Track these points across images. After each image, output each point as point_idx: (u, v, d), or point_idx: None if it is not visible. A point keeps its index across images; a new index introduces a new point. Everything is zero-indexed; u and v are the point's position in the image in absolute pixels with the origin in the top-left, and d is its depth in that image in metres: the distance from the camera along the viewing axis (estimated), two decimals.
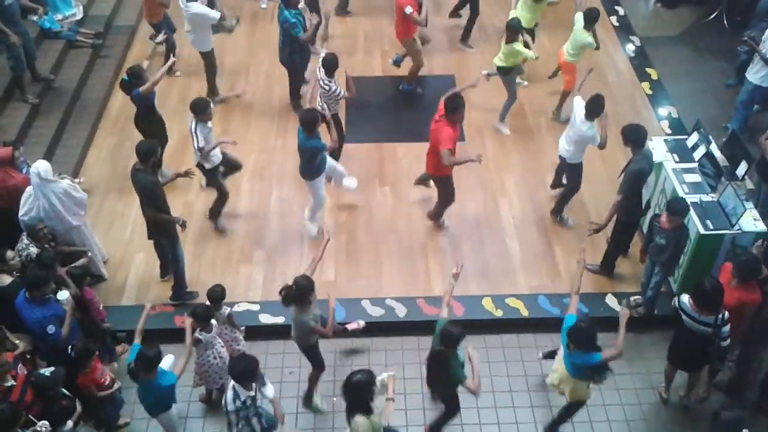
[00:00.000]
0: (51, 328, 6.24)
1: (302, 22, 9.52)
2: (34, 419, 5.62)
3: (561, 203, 8.73)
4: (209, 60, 10.25)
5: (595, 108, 7.88)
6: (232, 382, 5.74)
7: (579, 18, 9.46)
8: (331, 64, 8.60)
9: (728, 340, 6.35)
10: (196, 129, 7.87)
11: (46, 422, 5.59)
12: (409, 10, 9.69)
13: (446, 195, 8.44)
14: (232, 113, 10.37)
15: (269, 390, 6.60)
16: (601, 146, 8.05)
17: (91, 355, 6.07)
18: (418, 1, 9.93)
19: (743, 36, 9.70)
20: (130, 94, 8.51)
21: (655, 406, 7.15)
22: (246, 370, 5.69)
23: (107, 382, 6.35)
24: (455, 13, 12.07)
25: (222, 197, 8.56)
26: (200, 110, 7.84)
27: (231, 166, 8.67)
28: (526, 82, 10.89)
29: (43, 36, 10.81)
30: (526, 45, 9.68)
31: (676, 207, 6.93)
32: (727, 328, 6.28)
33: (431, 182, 8.68)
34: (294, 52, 9.78)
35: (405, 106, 10.65)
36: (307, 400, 7.05)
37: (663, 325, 7.75)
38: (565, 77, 9.97)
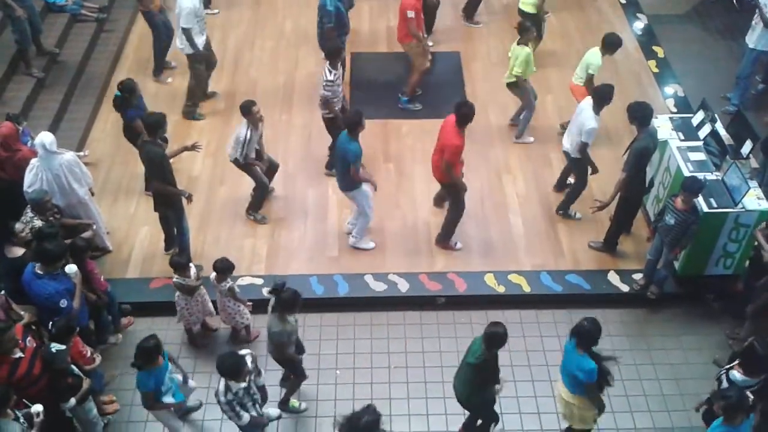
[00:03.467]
0: (63, 302, 6.28)
1: (340, 9, 9.20)
2: (28, 403, 5.64)
3: (568, 201, 8.52)
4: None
5: (601, 98, 7.66)
6: (222, 381, 5.70)
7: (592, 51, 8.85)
8: (333, 53, 8.33)
9: None
10: (248, 133, 7.80)
11: (40, 405, 5.55)
12: (411, 14, 9.25)
13: (456, 203, 7.97)
14: (237, 89, 10.36)
15: (261, 381, 6.32)
16: (582, 151, 7.83)
17: (72, 333, 6.04)
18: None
19: None
20: (123, 112, 8.19)
21: (655, 382, 7.20)
22: (232, 367, 5.63)
23: (88, 355, 6.41)
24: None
25: (263, 189, 8.36)
26: (246, 111, 7.77)
27: (270, 165, 8.51)
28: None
29: (48, 10, 10.79)
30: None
31: (692, 185, 6.92)
32: None
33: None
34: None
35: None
36: (284, 405, 6.89)
37: (668, 303, 7.83)
38: (577, 97, 8.90)
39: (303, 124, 9.88)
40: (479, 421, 6.52)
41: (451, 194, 8.03)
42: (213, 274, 6.94)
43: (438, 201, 8.69)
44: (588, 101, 7.84)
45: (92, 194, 7.91)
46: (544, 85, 10.43)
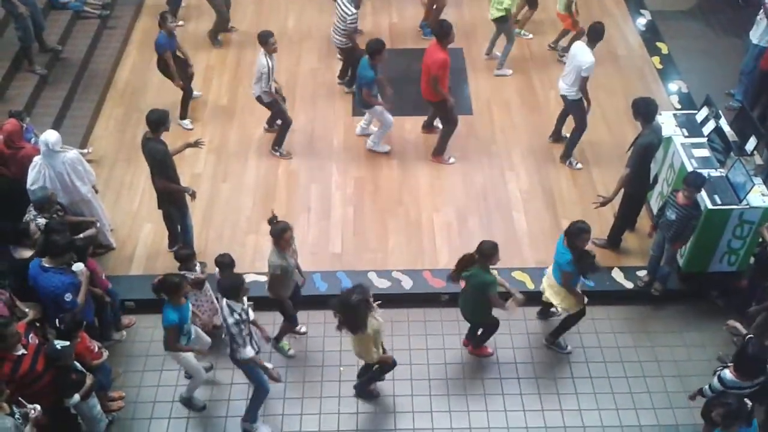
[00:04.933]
0: (68, 296, 6.27)
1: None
2: (24, 402, 5.60)
3: (570, 146, 9.04)
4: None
5: (595, 34, 8.31)
6: (224, 302, 6.01)
7: None
8: None
9: None
10: (267, 61, 8.48)
11: (38, 406, 5.55)
12: None
13: (448, 118, 8.84)
14: (240, 85, 10.38)
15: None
16: (582, 87, 8.48)
17: (80, 327, 6.06)
18: None
19: None
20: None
21: (659, 379, 7.19)
22: (233, 285, 6.00)
23: (96, 350, 6.43)
24: None
25: (286, 124, 9.09)
26: (263, 41, 8.49)
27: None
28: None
29: (51, 7, 10.79)
30: None
31: (694, 179, 6.91)
32: None
33: (436, 122, 9.37)
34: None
35: (413, 80, 10.55)
36: (275, 341, 7.25)
37: (672, 300, 7.82)
38: (564, 23, 10.40)
39: (306, 119, 9.87)
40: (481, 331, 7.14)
41: (441, 111, 8.89)
42: (216, 270, 6.95)
43: (426, 126, 9.61)
44: (580, 43, 8.47)
45: (96, 191, 7.91)
46: (547, 83, 10.42)
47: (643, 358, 7.36)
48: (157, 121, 7.22)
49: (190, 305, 6.41)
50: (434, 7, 10.86)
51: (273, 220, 6.53)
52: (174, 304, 6.13)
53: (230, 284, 6.05)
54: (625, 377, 7.18)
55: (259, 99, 8.86)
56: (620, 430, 6.81)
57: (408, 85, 10.36)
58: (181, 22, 10.99)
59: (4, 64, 9.54)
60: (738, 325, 6.39)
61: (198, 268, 6.98)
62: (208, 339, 6.86)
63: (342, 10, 9.39)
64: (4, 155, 7.63)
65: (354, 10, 9.35)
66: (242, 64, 10.68)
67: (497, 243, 6.41)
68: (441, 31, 8.32)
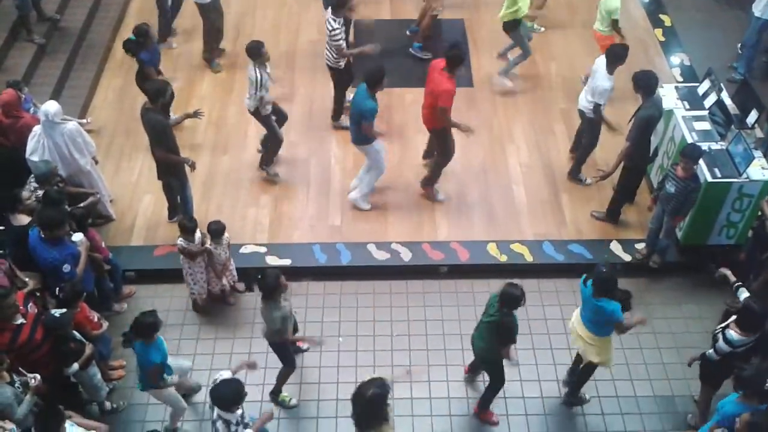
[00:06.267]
0: (67, 267, 6.27)
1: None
2: (23, 371, 5.64)
3: (579, 163, 8.56)
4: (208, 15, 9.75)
5: (614, 57, 7.67)
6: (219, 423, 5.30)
7: None
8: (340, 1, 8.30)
9: None
10: (259, 73, 7.73)
11: (38, 375, 5.55)
12: None
13: (445, 149, 8.06)
14: (238, 58, 10.28)
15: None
16: (595, 111, 7.88)
17: (79, 297, 6.08)
18: None
19: None
20: (136, 56, 8.36)
21: (656, 350, 7.24)
22: (229, 397, 5.20)
23: (95, 320, 6.46)
24: None
25: (276, 143, 8.45)
26: (256, 54, 7.73)
27: (280, 115, 8.49)
28: (543, 28, 10.75)
29: None
30: None
31: (691, 151, 6.89)
32: None
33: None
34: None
35: None
36: (274, 396, 6.77)
37: (670, 272, 7.85)
38: (601, 44, 9.27)
39: (305, 93, 9.82)
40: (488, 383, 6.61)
41: (440, 141, 8.08)
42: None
43: (427, 154, 8.72)
44: (603, 61, 7.78)
45: (96, 162, 7.91)
46: (548, 54, 10.35)
47: (640, 330, 7.36)
48: (156, 91, 7.20)
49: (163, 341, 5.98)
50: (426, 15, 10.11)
51: (257, 278, 6.00)
52: (148, 344, 5.75)
53: (225, 395, 5.18)
54: (621, 348, 7.21)
55: (254, 114, 8.16)
56: (616, 401, 6.89)
57: (409, 57, 10.32)
58: (174, 45, 10.39)
59: (2, 34, 9.47)
60: (728, 272, 6.43)
61: (198, 239, 6.99)
62: (187, 365, 6.62)
63: (326, 25, 8.48)
64: (3, 125, 7.61)
65: (335, 26, 8.32)
66: (241, 35, 10.59)
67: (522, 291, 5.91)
68: (455, 58, 7.44)
